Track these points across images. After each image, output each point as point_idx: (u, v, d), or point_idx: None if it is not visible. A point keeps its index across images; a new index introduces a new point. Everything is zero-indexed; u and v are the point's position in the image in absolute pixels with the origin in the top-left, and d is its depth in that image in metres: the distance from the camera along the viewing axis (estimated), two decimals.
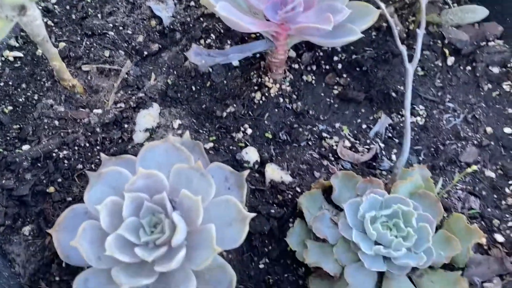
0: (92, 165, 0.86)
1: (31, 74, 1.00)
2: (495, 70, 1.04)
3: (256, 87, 1.00)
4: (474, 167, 0.79)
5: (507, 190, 0.90)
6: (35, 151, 0.88)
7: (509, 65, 1.04)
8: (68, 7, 1.09)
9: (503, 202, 0.89)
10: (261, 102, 0.98)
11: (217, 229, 0.72)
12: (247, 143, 0.93)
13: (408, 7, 1.11)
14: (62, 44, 1.02)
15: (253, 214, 0.69)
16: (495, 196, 0.90)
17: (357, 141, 0.95)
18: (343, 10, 0.85)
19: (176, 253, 0.66)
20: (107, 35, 1.03)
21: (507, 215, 0.86)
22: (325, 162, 0.92)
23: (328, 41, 0.89)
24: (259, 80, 1.00)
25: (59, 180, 0.87)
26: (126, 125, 0.91)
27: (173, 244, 0.67)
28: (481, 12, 1.09)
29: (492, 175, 0.92)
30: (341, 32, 0.89)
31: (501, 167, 0.93)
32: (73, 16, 1.06)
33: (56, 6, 1.09)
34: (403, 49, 0.67)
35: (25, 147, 0.91)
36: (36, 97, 0.97)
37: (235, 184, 0.77)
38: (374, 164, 0.92)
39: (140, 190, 0.71)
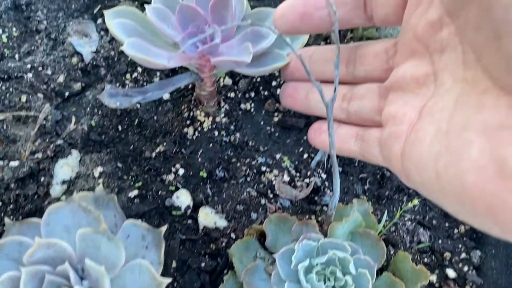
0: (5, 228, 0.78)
1: None
2: None
3: (188, 122, 0.92)
4: (415, 201, 0.72)
5: None
6: None
7: None
8: None
9: (455, 231, 0.82)
10: (194, 138, 0.91)
11: None
12: (179, 185, 0.86)
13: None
14: None
15: (168, 280, 0.63)
16: (447, 224, 0.83)
17: (298, 174, 0.88)
18: (269, 35, 0.79)
19: None
20: (24, 78, 0.95)
21: (460, 245, 0.79)
22: (263, 201, 0.84)
23: (255, 70, 0.82)
24: (191, 114, 0.92)
25: None
26: (42, 178, 0.83)
27: None
28: None
29: None
30: (269, 59, 0.82)
31: None
32: None
33: None
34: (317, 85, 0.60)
35: None
36: None
37: (152, 242, 0.70)
38: (316, 199, 0.84)
39: (42, 262, 0.63)
